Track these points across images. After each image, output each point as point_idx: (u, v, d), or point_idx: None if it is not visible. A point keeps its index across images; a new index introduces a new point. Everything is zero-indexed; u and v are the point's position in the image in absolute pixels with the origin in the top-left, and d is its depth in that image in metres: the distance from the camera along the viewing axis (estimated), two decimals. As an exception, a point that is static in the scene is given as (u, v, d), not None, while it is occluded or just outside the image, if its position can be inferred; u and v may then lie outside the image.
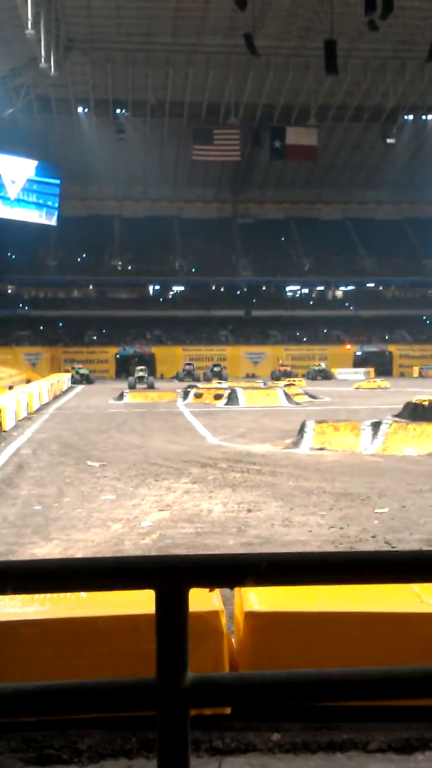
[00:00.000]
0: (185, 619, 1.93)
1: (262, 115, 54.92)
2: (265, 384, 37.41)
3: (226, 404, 28.14)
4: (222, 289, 65.05)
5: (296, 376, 48.45)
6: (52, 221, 58.13)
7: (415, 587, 4.15)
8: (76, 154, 56.72)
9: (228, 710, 3.73)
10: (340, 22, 37.73)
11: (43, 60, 40.13)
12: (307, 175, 64.60)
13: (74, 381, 45.78)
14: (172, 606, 1.92)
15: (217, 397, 29.66)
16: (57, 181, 57.38)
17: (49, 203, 57.61)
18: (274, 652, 3.87)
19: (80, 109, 53.65)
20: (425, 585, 4.05)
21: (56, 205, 57.83)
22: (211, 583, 2.15)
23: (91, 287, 64.20)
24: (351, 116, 55.66)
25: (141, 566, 2.03)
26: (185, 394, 31.77)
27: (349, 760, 3.60)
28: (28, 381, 42.88)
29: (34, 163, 56.02)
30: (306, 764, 3.56)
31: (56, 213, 57.96)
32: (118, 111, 52.15)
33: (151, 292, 66.15)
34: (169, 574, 1.94)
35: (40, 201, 57.02)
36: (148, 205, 65.61)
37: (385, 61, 49.42)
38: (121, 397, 32.22)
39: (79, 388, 42.48)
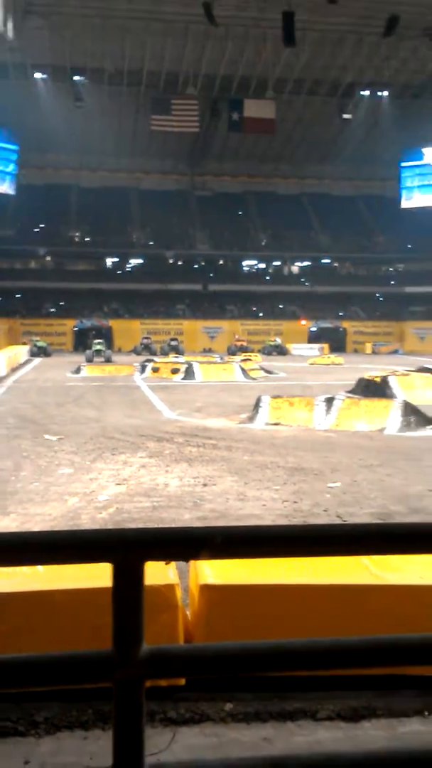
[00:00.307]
0: (141, 592, 1.97)
1: (220, 86, 54.42)
2: (221, 359, 37.47)
3: (183, 379, 28.16)
4: (180, 263, 64.73)
5: (252, 351, 48.60)
6: (11, 189, 57.00)
7: (365, 560, 4.26)
8: (33, 122, 55.49)
9: (183, 681, 3.80)
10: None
11: (0, 24, 39.11)
12: (264, 149, 64.35)
13: (32, 354, 45.25)
14: (128, 579, 1.96)
15: (174, 371, 29.66)
16: (14, 147, 56.21)
17: (7, 170, 56.42)
18: (228, 624, 3.95)
19: (38, 75, 52.48)
20: (375, 557, 4.16)
21: (14, 172, 56.69)
22: (166, 556, 2.19)
23: (48, 258, 63.30)
24: (308, 90, 55.45)
25: (98, 539, 2.06)
26: (142, 368, 31.69)
27: (299, 728, 3.70)
28: (-18, 353, 42.24)
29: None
30: (258, 733, 3.65)
31: (14, 181, 56.84)
32: (76, 78, 51.16)
33: (108, 264, 65.52)
34: (126, 548, 1.97)
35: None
36: (106, 175, 64.74)
37: (343, 35, 49.20)
38: (78, 370, 31.99)
39: (37, 360, 42.03)
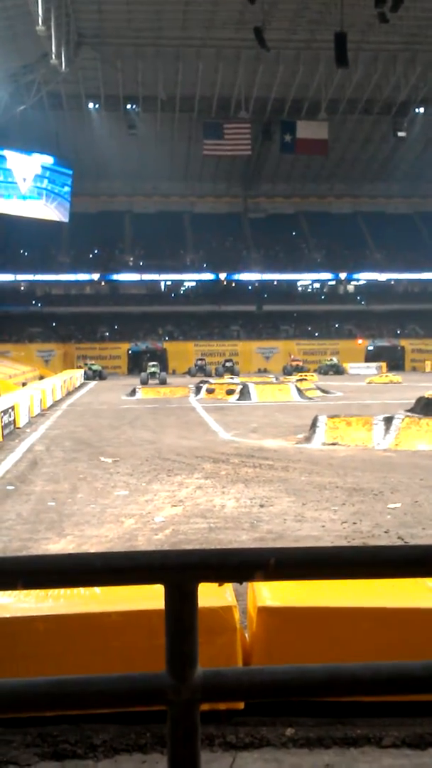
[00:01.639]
0: (194, 614, 1.93)
1: (272, 108, 54.70)
2: (276, 379, 37.38)
3: (238, 399, 28.14)
4: (233, 284, 64.97)
5: (308, 370, 48.37)
6: (65, 218, 58.25)
7: (429, 582, 4.14)
8: (86, 151, 56.73)
9: (241, 705, 3.73)
10: (350, 14, 37.50)
11: (53, 56, 40.18)
12: (317, 169, 64.33)
13: (87, 377, 45.90)
14: (181, 600, 1.93)
15: (229, 392, 29.66)
16: (69, 178, 57.46)
17: (61, 200, 57.71)
18: (286, 647, 3.87)
19: (91, 105, 53.61)
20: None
21: (68, 201, 57.95)
22: (219, 577, 2.15)
23: (103, 283, 64.27)
24: (361, 109, 55.31)
25: (150, 561, 2.04)
26: (197, 390, 31.79)
27: (363, 755, 3.59)
28: (41, 377, 43.04)
29: (47, 159, 56.14)
30: (320, 759, 3.56)
31: (68, 209, 58.10)
32: (128, 106, 52.09)
33: (162, 287, 66.16)
34: (178, 569, 1.94)
35: (52, 197, 57.16)
36: (159, 200, 65.56)
37: (395, 53, 49.09)
38: (133, 392, 32.27)
39: (92, 384, 42.58)
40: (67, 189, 57.60)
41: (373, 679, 2.00)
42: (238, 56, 47.97)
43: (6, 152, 54.12)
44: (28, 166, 55.31)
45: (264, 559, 1.95)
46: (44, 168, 55.99)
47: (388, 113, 55.28)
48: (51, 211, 57.43)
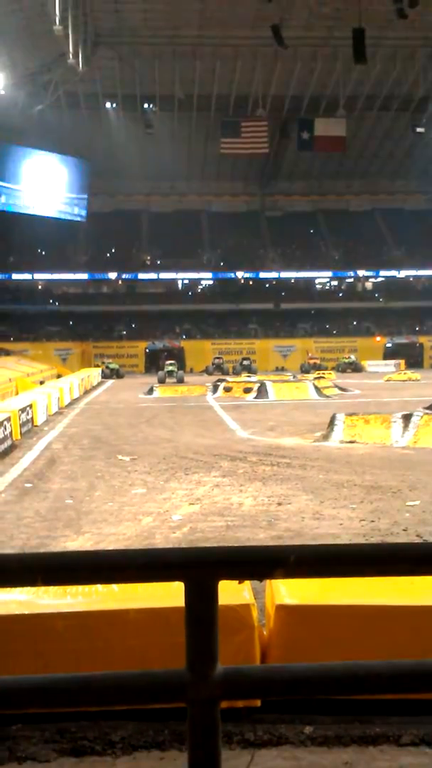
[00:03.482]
0: (215, 611, 1.93)
1: (290, 106, 54.54)
2: (294, 377, 37.29)
3: (255, 398, 28.10)
4: (251, 283, 64.88)
5: (326, 368, 48.23)
6: (82, 216, 58.44)
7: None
8: (104, 150, 56.86)
9: (259, 702, 3.73)
10: (368, 10, 37.34)
11: (71, 56, 40.30)
12: (335, 167, 64.08)
13: (104, 376, 46.01)
14: (201, 598, 1.93)
15: (247, 390, 29.63)
16: (86, 182, 57.65)
17: (79, 201, 57.91)
18: (305, 645, 3.87)
19: (108, 105, 53.69)
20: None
21: (85, 202, 58.13)
22: (239, 575, 2.15)
23: (120, 282, 64.41)
24: (380, 106, 55.01)
25: (170, 558, 2.04)
26: (215, 388, 31.78)
27: (381, 753, 3.58)
28: (58, 376, 43.21)
29: (66, 162, 56.38)
30: (338, 758, 3.55)
31: (85, 210, 58.28)
32: (145, 106, 52.11)
33: (179, 286, 66.20)
34: (198, 566, 1.94)
35: (70, 201, 57.39)
36: (176, 199, 65.58)
37: (414, 49, 48.78)
38: (150, 391, 32.32)
39: (109, 382, 42.70)
40: (83, 196, 57.82)
41: (392, 677, 1.99)
42: (255, 54, 47.87)
43: (24, 154, 54.35)
44: (46, 170, 55.57)
45: (284, 557, 1.95)
46: (62, 178, 56.24)
47: (407, 109, 54.93)
48: (68, 212, 57.69)
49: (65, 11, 36.92)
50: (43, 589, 4.01)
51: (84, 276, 62.12)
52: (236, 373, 45.46)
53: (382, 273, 64.84)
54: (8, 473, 12.66)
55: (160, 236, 63.88)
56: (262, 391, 28.58)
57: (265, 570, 2.04)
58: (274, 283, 64.74)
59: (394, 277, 64.95)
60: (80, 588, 4.08)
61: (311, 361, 50.57)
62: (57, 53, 42.44)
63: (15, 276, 60.86)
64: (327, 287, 67.32)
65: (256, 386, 29.67)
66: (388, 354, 58.20)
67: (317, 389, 29.18)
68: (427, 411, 18.30)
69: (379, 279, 65.99)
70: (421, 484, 10.90)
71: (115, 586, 4.05)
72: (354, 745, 3.64)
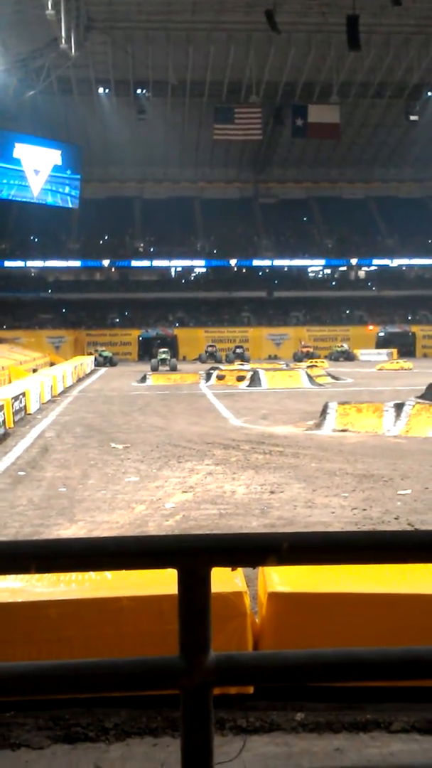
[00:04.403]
0: (208, 598, 1.94)
1: (283, 92, 54.27)
2: (287, 365, 37.31)
3: (248, 386, 28.13)
4: (244, 271, 64.78)
5: (319, 357, 48.26)
6: (74, 203, 58.19)
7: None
8: (96, 136, 56.56)
9: (251, 689, 3.76)
10: (362, -3, 37.12)
11: (63, 41, 39.94)
12: (329, 154, 63.90)
13: (97, 363, 45.96)
14: (194, 585, 1.93)
15: (240, 378, 29.66)
16: (78, 169, 57.32)
17: (72, 188, 57.60)
18: (296, 632, 3.89)
19: (101, 90, 53.28)
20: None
21: (78, 189, 57.83)
22: (232, 562, 2.16)
23: (113, 269, 64.23)
24: (374, 93, 54.79)
25: (163, 545, 2.05)
26: (208, 376, 31.80)
27: (372, 740, 3.61)
28: (51, 364, 43.13)
29: (58, 150, 56.01)
30: (330, 744, 3.58)
31: (77, 196, 58.00)
32: (138, 91, 51.77)
33: (173, 273, 66.05)
34: (191, 553, 1.95)
35: (63, 187, 57.07)
36: (170, 186, 65.33)
37: (408, 36, 48.52)
38: (143, 379, 32.30)
39: (102, 370, 42.65)
40: (76, 184, 57.50)
41: (383, 664, 2.00)
42: (248, 40, 47.56)
43: (15, 141, 53.99)
44: (40, 159, 55.20)
45: (278, 544, 1.96)
46: (53, 170, 55.92)
47: (401, 97, 54.76)
48: (60, 198, 57.43)
49: (57, -4, 36.59)
50: (36, 576, 4.02)
51: (77, 263, 61.86)
52: (229, 361, 45.47)
53: (375, 261, 64.78)
54: (1, 462, 12.66)
55: (153, 223, 63.66)
56: (255, 380, 28.61)
57: (258, 557, 2.05)
58: (267, 271, 64.66)
59: (387, 265, 64.91)
60: (73, 576, 4.09)
61: (304, 350, 50.61)
62: (49, 38, 42.04)
63: (7, 263, 60.56)
64: (320, 275, 67.27)
65: (249, 374, 29.70)
66: (381, 343, 58.30)
67: (310, 378, 29.22)
68: (419, 400, 18.36)
69: (372, 267, 65.95)
70: (413, 473, 10.95)
71: (108, 574, 4.06)
72: (345, 731, 3.67)
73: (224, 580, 3.83)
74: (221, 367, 36.33)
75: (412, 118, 54.65)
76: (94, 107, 54.18)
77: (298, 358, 47.89)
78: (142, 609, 3.86)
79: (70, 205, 58.17)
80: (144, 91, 51.86)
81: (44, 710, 3.78)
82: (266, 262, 63.89)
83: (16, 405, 17.96)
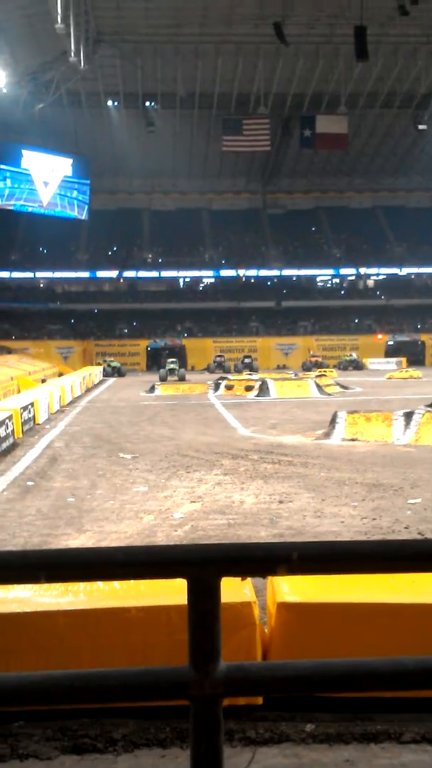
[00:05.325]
0: (217, 608, 1.93)
1: (292, 103, 54.51)
2: (296, 375, 37.29)
3: (257, 395, 28.11)
4: (252, 281, 64.89)
5: (327, 366, 48.24)
6: (83, 215, 58.47)
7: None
8: (105, 148, 56.87)
9: (260, 700, 3.73)
10: (369, 7, 37.26)
11: (72, 54, 40.25)
12: (337, 164, 64.06)
13: (106, 374, 46.04)
14: (204, 595, 1.93)
15: (248, 388, 29.64)
16: (87, 181, 57.67)
17: (81, 200, 57.91)
18: (306, 642, 3.87)
19: (110, 103, 53.67)
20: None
21: (87, 201, 58.14)
22: (242, 572, 2.15)
23: (121, 280, 64.44)
24: (382, 103, 54.96)
25: (173, 555, 2.04)
26: (216, 386, 31.79)
27: (383, 751, 3.58)
28: (60, 374, 43.25)
29: (68, 161, 56.34)
30: (339, 755, 3.55)
31: (86, 208, 58.29)
32: (147, 104, 52.08)
33: (181, 284, 66.20)
34: (201, 563, 1.94)
35: (72, 199, 57.40)
36: (178, 197, 65.59)
37: (416, 46, 48.68)
38: (152, 389, 32.33)
39: (111, 380, 42.71)
40: (85, 196, 57.83)
41: (393, 675, 1.99)
42: (257, 52, 47.82)
43: (25, 152, 54.33)
44: (50, 169, 55.52)
45: (287, 554, 1.95)
46: (63, 181, 56.25)
47: (409, 106, 54.93)
48: (69, 210, 57.70)
49: (67, 9, 36.88)
50: (45, 586, 4.02)
51: (85, 274, 62.15)
52: (238, 371, 45.49)
53: (384, 270, 64.81)
54: (10, 471, 12.67)
55: (162, 234, 63.90)
56: (263, 389, 28.58)
57: (267, 567, 2.04)
58: (275, 280, 64.76)
59: (395, 274, 64.94)
60: (82, 585, 4.08)
61: (313, 359, 50.59)
62: (59, 51, 42.40)
63: (16, 274, 60.94)
64: (328, 285, 67.34)
65: (257, 384, 29.68)
66: (390, 352, 58.20)
67: (319, 387, 29.18)
68: (429, 409, 18.28)
69: (381, 276, 65.98)
70: (423, 482, 10.89)
71: (116, 584, 4.05)
72: (355, 742, 3.64)
73: (233, 590, 3.81)
74: (230, 376, 36.34)
75: (421, 127, 54.81)
76: (103, 120, 54.54)
77: (306, 367, 47.87)
78: (151, 619, 3.84)
79: (80, 217, 58.43)
80: (153, 104, 52.16)
81: (52, 721, 3.76)
82: (275, 272, 64.00)
83: (25, 415, 17.99)
